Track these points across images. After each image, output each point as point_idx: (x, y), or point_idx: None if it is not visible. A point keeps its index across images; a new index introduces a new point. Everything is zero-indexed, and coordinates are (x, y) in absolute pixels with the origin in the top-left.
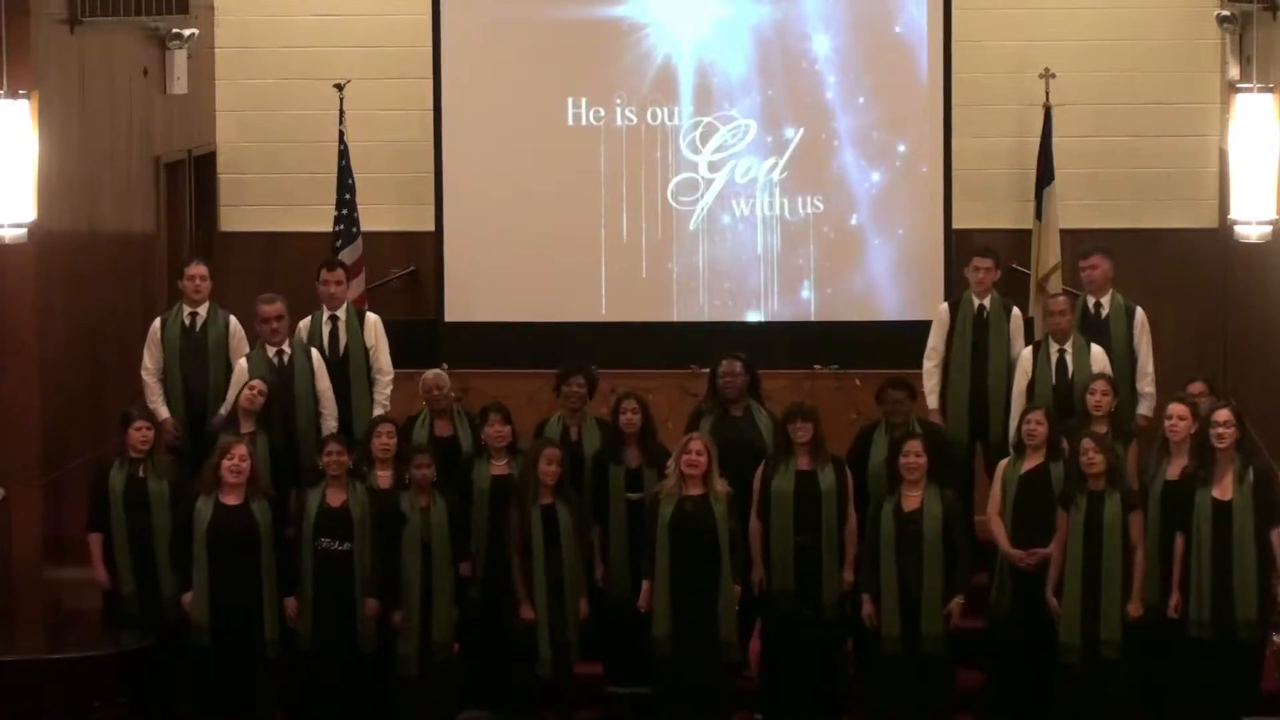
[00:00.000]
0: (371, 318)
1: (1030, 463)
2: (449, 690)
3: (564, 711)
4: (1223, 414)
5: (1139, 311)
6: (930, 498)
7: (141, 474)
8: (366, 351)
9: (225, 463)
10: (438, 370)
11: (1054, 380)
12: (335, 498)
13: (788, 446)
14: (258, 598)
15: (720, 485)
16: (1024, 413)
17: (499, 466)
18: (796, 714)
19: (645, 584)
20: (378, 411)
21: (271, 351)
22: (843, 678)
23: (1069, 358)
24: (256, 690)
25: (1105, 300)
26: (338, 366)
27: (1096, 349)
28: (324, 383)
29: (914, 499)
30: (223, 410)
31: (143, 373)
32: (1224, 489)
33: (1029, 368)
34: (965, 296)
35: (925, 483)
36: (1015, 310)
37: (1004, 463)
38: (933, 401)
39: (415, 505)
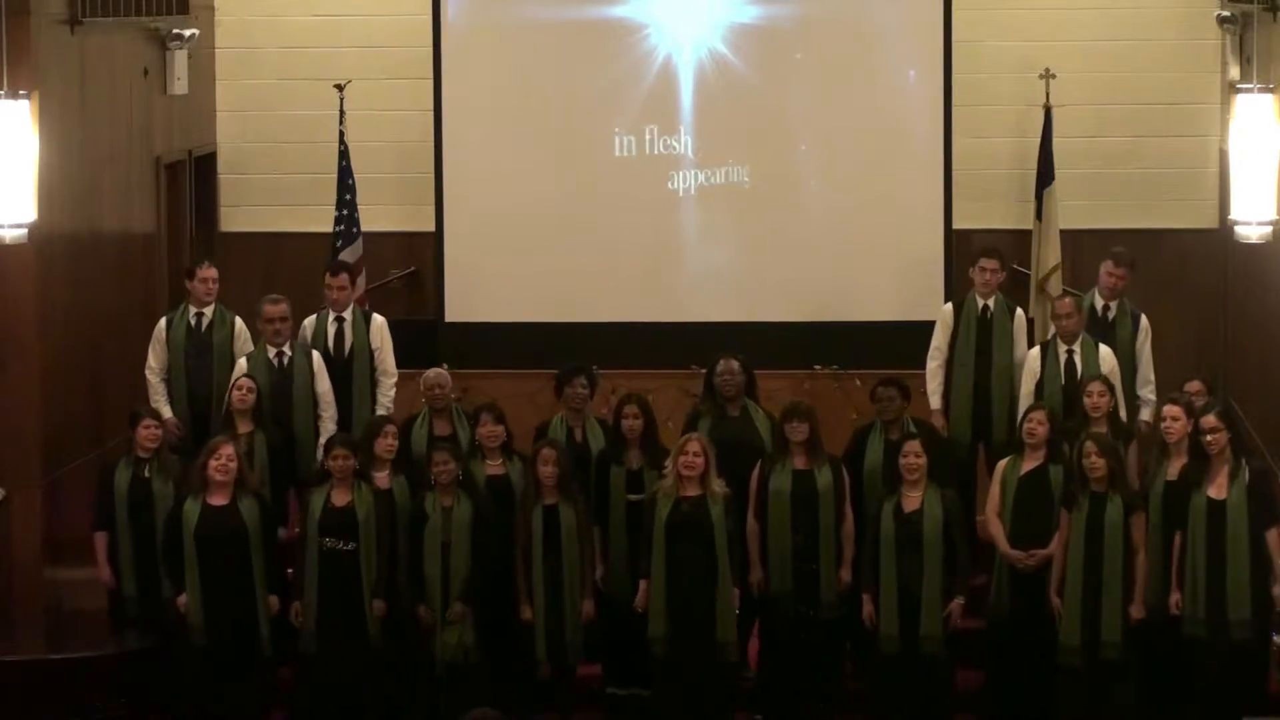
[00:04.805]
0: (378, 319)
1: (1030, 463)
2: (470, 690)
3: (564, 711)
4: (1209, 420)
5: (1143, 318)
6: (930, 498)
7: (146, 474)
8: (371, 353)
9: (212, 463)
10: (439, 369)
11: (1063, 380)
12: (340, 497)
13: (785, 446)
14: (251, 597)
15: (718, 486)
16: (1025, 412)
17: (494, 466)
18: (795, 714)
19: (642, 584)
20: (380, 414)
21: (272, 352)
22: (841, 678)
23: (1077, 358)
24: (254, 690)
25: (1114, 305)
26: (342, 367)
27: (1105, 349)
28: (324, 384)
29: (914, 499)
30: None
31: (146, 372)
32: (1219, 488)
33: (1037, 368)
34: (969, 297)
35: (925, 483)
36: (1019, 311)
37: (1003, 463)
38: (935, 402)
39: (437, 504)
